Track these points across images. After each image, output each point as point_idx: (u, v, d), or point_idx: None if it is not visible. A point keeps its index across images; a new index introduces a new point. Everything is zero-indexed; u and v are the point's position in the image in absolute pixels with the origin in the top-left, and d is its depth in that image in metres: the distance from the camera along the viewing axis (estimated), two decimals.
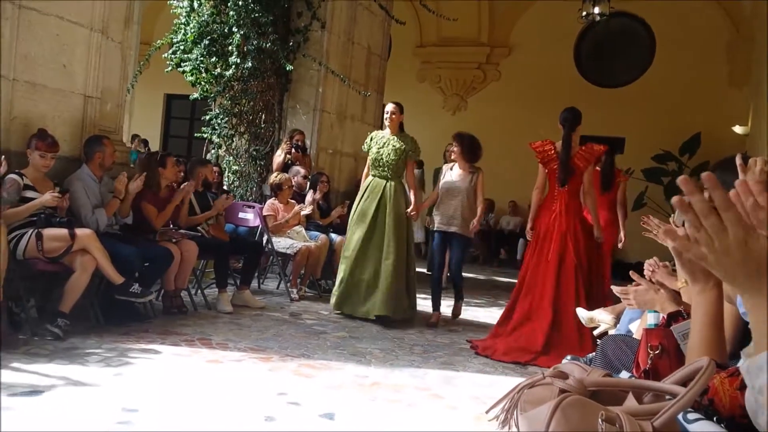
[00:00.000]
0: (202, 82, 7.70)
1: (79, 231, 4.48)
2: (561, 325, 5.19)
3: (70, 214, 4.72)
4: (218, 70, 7.59)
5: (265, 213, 7.04)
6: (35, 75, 4.85)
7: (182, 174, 6.52)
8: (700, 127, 11.49)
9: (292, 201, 7.32)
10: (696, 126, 11.56)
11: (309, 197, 7.56)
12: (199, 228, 6.10)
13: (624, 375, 2.10)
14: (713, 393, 1.61)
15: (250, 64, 7.47)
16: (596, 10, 10.86)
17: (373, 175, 6.26)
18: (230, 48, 7.45)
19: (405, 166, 6.25)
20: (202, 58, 7.51)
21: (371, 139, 6.34)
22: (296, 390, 3.76)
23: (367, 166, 6.40)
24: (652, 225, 2.31)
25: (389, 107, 6.30)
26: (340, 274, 6.19)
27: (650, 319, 2.27)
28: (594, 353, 2.84)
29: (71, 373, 3.63)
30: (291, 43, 7.88)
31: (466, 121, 13.31)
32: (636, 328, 3.08)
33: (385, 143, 6.19)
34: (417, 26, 13.78)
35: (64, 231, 4.44)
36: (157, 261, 5.18)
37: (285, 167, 7.62)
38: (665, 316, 2.22)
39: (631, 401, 1.46)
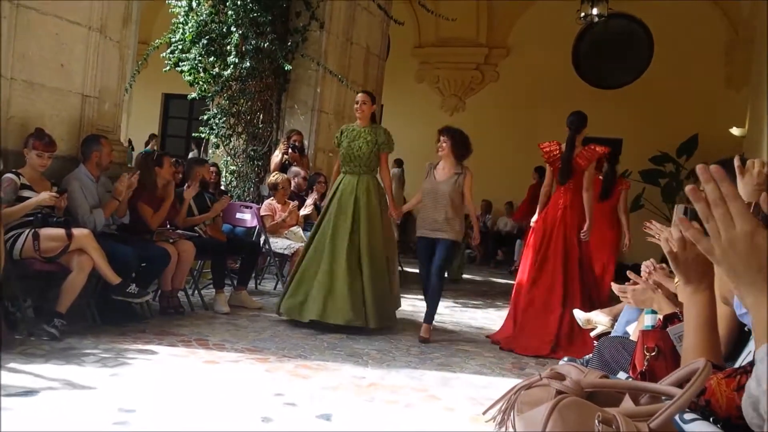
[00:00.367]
0: (200, 82, 7.70)
1: (76, 231, 4.47)
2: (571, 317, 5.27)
3: (67, 213, 4.71)
4: (216, 69, 7.59)
5: (262, 213, 7.03)
6: (33, 74, 4.85)
7: (180, 175, 6.52)
8: (698, 128, 11.50)
9: (290, 201, 7.31)
10: (693, 128, 11.57)
11: (310, 199, 7.55)
12: (196, 228, 6.10)
13: (621, 376, 2.10)
14: (710, 394, 1.61)
15: (248, 63, 7.47)
16: (594, 11, 10.86)
17: (344, 172, 5.82)
18: (228, 48, 7.44)
19: (377, 159, 5.80)
20: (200, 58, 7.51)
21: (341, 133, 5.90)
22: (293, 391, 3.75)
23: (337, 162, 6.02)
24: (655, 229, 2.32)
25: (359, 96, 5.87)
26: (301, 275, 5.62)
27: (647, 320, 2.27)
28: (591, 354, 2.84)
29: (68, 373, 3.62)
30: (289, 43, 7.88)
31: (464, 121, 13.25)
32: (633, 330, 3.08)
33: (356, 136, 5.75)
34: (415, 27, 13.79)
35: (61, 231, 4.43)
36: (154, 261, 5.18)
37: (283, 167, 7.61)
38: (661, 318, 2.23)
39: (627, 402, 1.46)
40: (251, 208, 7.15)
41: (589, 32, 13.10)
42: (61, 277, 4.49)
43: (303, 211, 7.35)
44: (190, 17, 7.46)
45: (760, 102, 8.89)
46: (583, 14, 10.99)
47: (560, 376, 1.55)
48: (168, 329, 4.93)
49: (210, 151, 8.32)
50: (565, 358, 4.22)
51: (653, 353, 2.04)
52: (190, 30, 7.41)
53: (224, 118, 7.93)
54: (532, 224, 5.98)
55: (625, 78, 13.00)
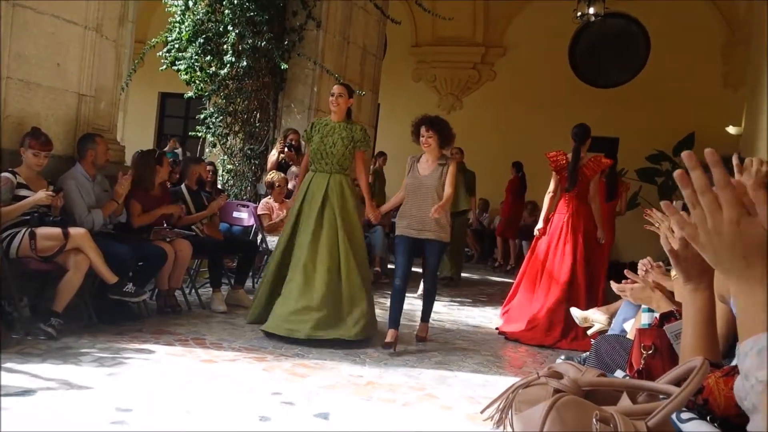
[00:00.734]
0: (197, 81, 7.68)
1: (72, 230, 4.46)
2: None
3: (63, 213, 4.70)
4: (213, 68, 7.57)
5: (259, 212, 7.03)
6: (29, 73, 4.84)
7: (177, 175, 6.51)
8: (694, 127, 11.51)
9: (287, 200, 7.30)
10: (689, 126, 11.58)
11: None
12: (193, 227, 6.09)
13: (618, 375, 2.10)
14: (708, 393, 1.61)
15: (245, 62, 7.46)
16: (591, 10, 10.87)
17: (314, 170, 5.35)
18: (225, 47, 7.43)
19: (352, 158, 5.38)
20: (196, 57, 7.49)
21: (312, 127, 5.47)
22: (291, 390, 3.75)
23: (305, 160, 5.61)
24: (655, 218, 2.31)
25: (335, 89, 5.41)
26: (293, 291, 5.05)
27: (644, 319, 2.28)
28: (588, 353, 2.85)
29: (65, 372, 3.62)
30: (286, 42, 7.87)
31: (461, 120, 13.28)
32: (630, 328, 3.09)
33: (329, 132, 5.31)
34: (412, 26, 13.79)
35: (57, 230, 4.42)
36: (151, 260, 5.17)
37: (279, 166, 7.60)
38: (658, 317, 2.23)
39: (625, 401, 1.46)
40: (248, 207, 7.14)
41: (586, 31, 13.11)
42: (57, 277, 4.48)
43: None
44: (186, 16, 7.44)
45: (757, 101, 8.91)
46: (579, 13, 11.00)
47: (558, 375, 1.55)
48: (165, 328, 4.92)
49: (207, 149, 8.30)
50: (563, 357, 4.24)
51: (650, 351, 2.05)
52: (187, 29, 7.40)
53: (221, 117, 7.92)
54: (536, 233, 6.34)
55: (621, 77, 13.02)
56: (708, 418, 1.59)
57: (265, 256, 7.23)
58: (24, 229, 4.41)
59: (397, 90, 12.91)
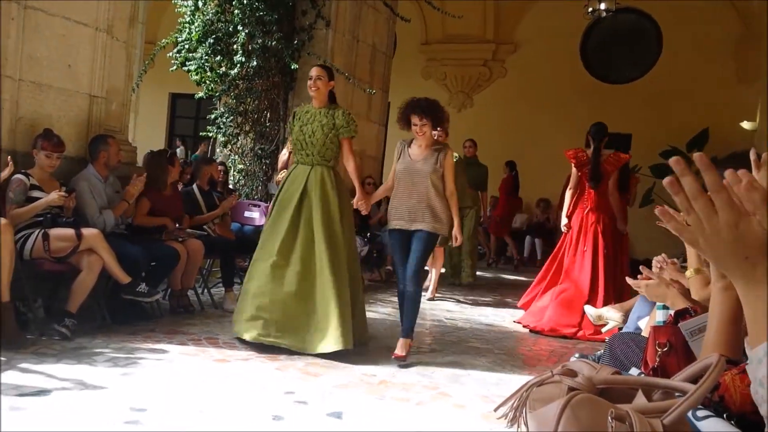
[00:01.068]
0: (207, 81, 7.70)
1: (85, 231, 4.48)
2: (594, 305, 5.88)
3: (75, 214, 4.72)
4: (223, 68, 7.59)
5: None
6: (41, 75, 4.87)
7: (189, 176, 6.53)
8: (708, 123, 11.42)
9: None
10: (703, 122, 11.49)
11: None
12: (204, 227, 6.11)
13: (633, 372, 2.09)
14: (724, 390, 1.60)
15: (255, 62, 7.47)
16: (602, 5, 10.81)
17: (296, 162, 4.90)
18: (235, 47, 7.44)
19: (337, 148, 4.85)
20: (206, 57, 7.51)
21: (293, 116, 5.01)
22: (304, 389, 3.75)
23: (289, 151, 5.17)
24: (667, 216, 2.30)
25: (312, 71, 4.88)
26: (250, 289, 4.65)
27: (659, 316, 2.26)
28: (602, 351, 2.83)
29: (79, 373, 3.64)
30: (296, 42, 7.88)
31: (472, 118, 13.29)
32: (645, 326, 3.07)
33: (309, 119, 4.84)
34: (422, 23, 13.76)
35: (70, 231, 4.44)
36: (164, 260, 5.19)
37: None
38: (672, 314, 2.21)
39: (640, 399, 1.44)
40: (259, 206, 7.15)
41: (597, 27, 13.03)
42: (71, 277, 4.51)
43: None
44: (196, 17, 7.46)
45: None
46: (591, 9, 10.93)
47: (572, 373, 1.54)
48: (178, 328, 4.94)
49: (218, 149, 8.32)
50: (576, 355, 4.22)
51: (665, 349, 2.03)
52: (197, 29, 7.42)
53: (231, 117, 7.93)
54: (563, 228, 6.57)
55: (633, 73, 12.93)
56: (724, 415, 1.57)
57: None
58: (37, 231, 4.44)
59: (407, 88, 12.78)
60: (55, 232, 4.44)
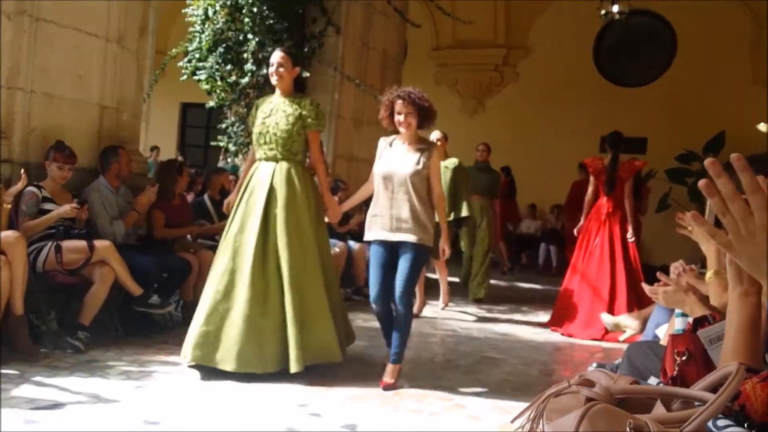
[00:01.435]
0: (218, 90, 7.71)
1: (97, 243, 4.49)
2: (615, 310, 6.18)
3: (88, 225, 4.73)
4: (233, 77, 7.60)
5: None
6: (53, 87, 4.89)
7: (200, 187, 6.55)
8: (724, 125, 11.31)
9: None
10: (719, 125, 11.38)
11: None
12: (216, 237, 6.10)
13: (652, 382, 2.04)
14: (744, 398, 1.56)
15: (265, 71, 7.47)
16: (615, 8, 10.73)
17: (259, 158, 4.37)
18: (245, 55, 7.45)
19: (304, 141, 4.34)
20: (217, 66, 7.52)
21: (256, 108, 4.50)
22: (317, 400, 3.72)
23: (251, 148, 4.63)
24: (687, 221, 2.25)
25: (274, 57, 4.42)
26: (205, 307, 4.09)
27: (677, 324, 2.22)
28: (620, 360, 2.78)
29: (93, 386, 3.63)
30: (306, 50, 7.87)
31: (484, 123, 13.26)
32: (662, 333, 3.02)
33: (272, 110, 4.35)
34: (432, 29, 13.75)
35: (82, 243, 4.45)
36: (176, 272, 5.19)
37: None
38: (691, 322, 2.17)
39: (659, 409, 1.42)
40: None
41: (610, 30, 12.97)
42: (83, 289, 4.51)
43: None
44: (206, 26, 7.48)
45: None
46: (603, 11, 10.87)
47: (589, 383, 1.51)
48: None
49: (228, 159, 8.32)
50: (594, 364, 4.17)
51: (684, 357, 1.99)
52: (207, 38, 7.43)
53: (242, 126, 7.94)
54: (576, 233, 6.73)
55: (648, 75, 12.83)
56: (746, 425, 1.53)
57: None
58: (50, 243, 4.44)
59: None
60: (67, 244, 4.45)
